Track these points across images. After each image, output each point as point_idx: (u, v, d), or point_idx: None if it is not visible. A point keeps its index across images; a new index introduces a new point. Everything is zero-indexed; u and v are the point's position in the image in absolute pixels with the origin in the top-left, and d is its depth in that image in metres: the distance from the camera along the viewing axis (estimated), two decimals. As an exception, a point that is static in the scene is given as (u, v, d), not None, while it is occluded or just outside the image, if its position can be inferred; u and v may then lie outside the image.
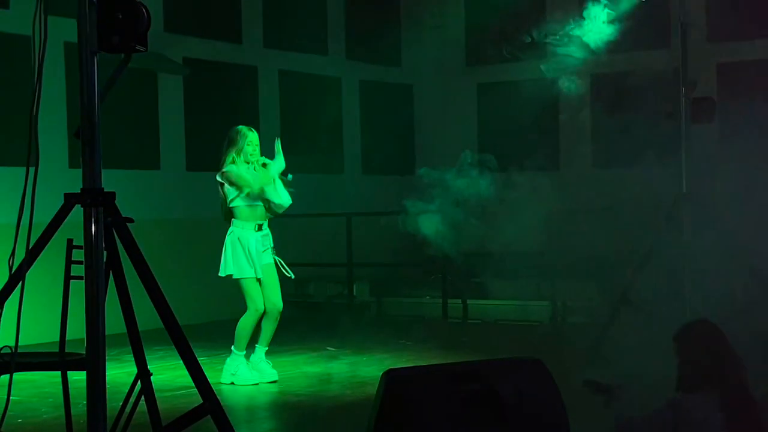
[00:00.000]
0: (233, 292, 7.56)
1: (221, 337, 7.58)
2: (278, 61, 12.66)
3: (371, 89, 13.92)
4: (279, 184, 7.41)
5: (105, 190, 3.56)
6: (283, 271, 7.51)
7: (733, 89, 11.73)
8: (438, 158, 13.81)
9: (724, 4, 12.07)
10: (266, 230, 7.46)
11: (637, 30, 8.20)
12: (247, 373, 7.38)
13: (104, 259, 3.59)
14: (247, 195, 7.32)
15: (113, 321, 3.96)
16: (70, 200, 3.57)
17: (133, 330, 3.78)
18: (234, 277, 7.35)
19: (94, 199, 3.53)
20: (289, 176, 7.48)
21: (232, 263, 7.32)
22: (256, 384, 7.34)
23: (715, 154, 11.31)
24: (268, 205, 7.43)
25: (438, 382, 3.83)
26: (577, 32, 7.85)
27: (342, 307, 11.88)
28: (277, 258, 7.50)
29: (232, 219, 7.40)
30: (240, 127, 7.51)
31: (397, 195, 10.83)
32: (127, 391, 4.04)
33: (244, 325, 7.38)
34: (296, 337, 9.93)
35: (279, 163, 7.35)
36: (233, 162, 7.36)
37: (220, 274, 7.46)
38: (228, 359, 7.45)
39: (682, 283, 7.79)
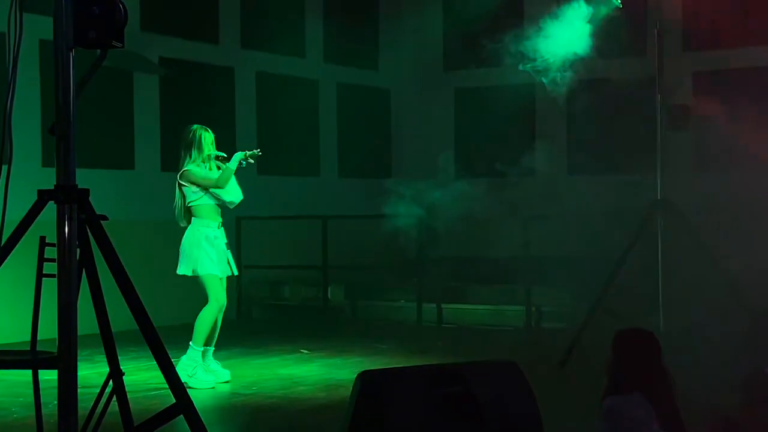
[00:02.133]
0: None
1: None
2: (255, 62, 12.62)
3: (348, 92, 13.90)
4: (232, 180, 7.40)
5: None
6: (231, 267, 7.44)
7: (708, 97, 11.82)
8: (414, 163, 13.86)
9: (699, 13, 12.15)
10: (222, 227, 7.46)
11: (613, 37, 8.24)
12: (204, 376, 7.22)
13: (77, 257, 3.56)
14: (207, 191, 7.30)
15: (86, 321, 3.92)
16: (43, 197, 3.52)
17: (105, 328, 3.74)
18: (205, 273, 7.24)
19: (67, 196, 3.49)
20: (257, 151, 7.47)
21: (200, 261, 7.24)
22: (213, 387, 7.20)
23: (690, 161, 11.37)
24: (221, 201, 7.42)
25: (413, 383, 3.82)
26: (550, 38, 7.87)
27: (316, 310, 11.86)
28: (229, 254, 7.46)
29: (194, 218, 7.35)
30: (195, 126, 7.44)
31: (373, 198, 10.83)
32: (98, 391, 4.00)
33: (206, 318, 7.25)
34: (270, 340, 9.90)
35: (234, 162, 7.34)
36: (193, 161, 7.35)
37: (183, 273, 7.32)
38: (183, 357, 7.19)
39: (657, 289, 7.83)
